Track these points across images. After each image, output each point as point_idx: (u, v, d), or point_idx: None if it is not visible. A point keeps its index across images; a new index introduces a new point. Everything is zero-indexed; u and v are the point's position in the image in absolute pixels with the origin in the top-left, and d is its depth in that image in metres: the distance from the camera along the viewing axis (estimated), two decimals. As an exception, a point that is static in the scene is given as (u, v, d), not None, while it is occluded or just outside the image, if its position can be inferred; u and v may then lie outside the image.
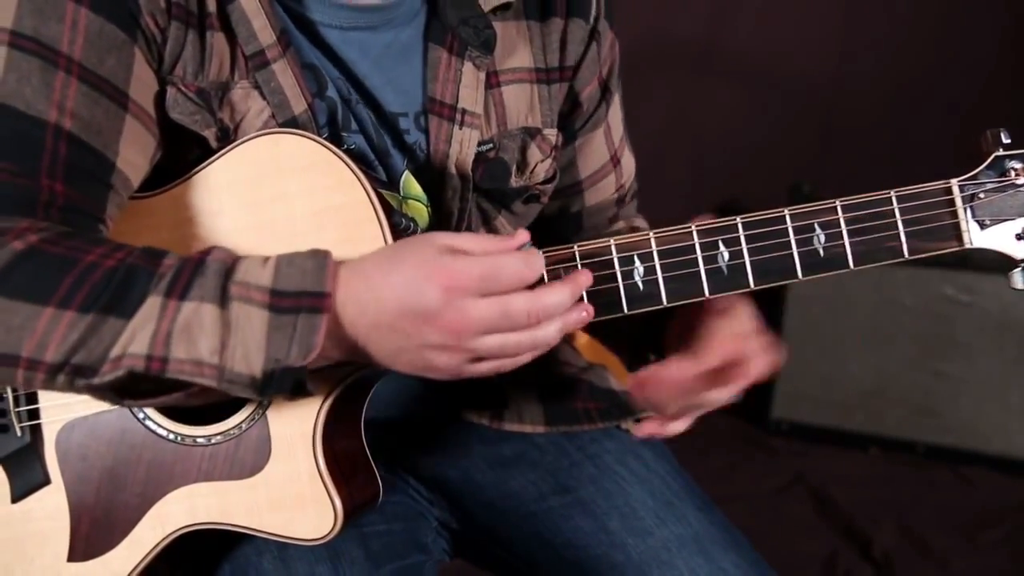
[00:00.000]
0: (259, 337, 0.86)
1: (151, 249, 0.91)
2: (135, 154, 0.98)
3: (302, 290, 0.86)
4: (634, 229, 1.30)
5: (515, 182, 1.17)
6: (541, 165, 1.19)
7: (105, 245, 0.89)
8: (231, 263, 0.88)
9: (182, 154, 1.03)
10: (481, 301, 0.86)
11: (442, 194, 1.12)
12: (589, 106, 1.23)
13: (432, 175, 1.12)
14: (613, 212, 1.30)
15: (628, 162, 1.32)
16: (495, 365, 0.91)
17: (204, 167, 1.01)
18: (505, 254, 0.89)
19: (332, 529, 0.98)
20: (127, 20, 0.96)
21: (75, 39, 0.93)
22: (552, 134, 1.20)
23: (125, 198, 0.98)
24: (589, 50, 1.19)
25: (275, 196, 0.99)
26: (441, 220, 1.13)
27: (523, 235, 0.93)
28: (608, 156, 1.28)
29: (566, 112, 1.22)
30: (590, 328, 1.03)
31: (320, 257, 0.88)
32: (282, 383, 0.87)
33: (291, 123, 1.04)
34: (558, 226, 1.30)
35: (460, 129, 1.12)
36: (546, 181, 1.21)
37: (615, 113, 1.29)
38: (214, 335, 0.85)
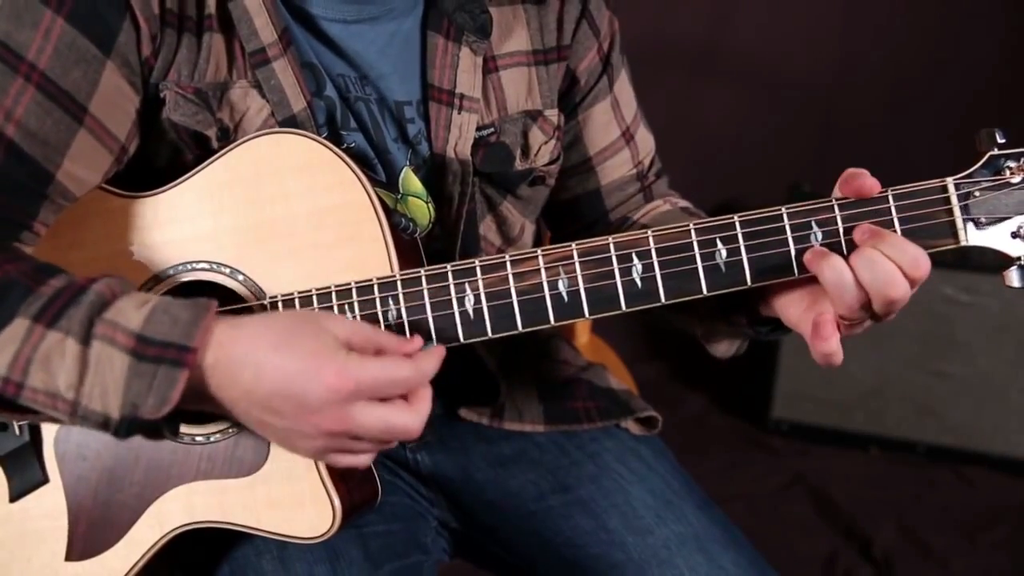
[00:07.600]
0: (119, 380, 0.84)
1: (44, 266, 0.90)
2: (82, 168, 0.97)
3: (168, 341, 0.85)
4: (684, 210, 1.29)
5: (519, 165, 1.17)
6: (545, 147, 1.19)
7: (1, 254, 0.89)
8: (109, 297, 0.87)
9: (182, 154, 1.04)
10: (366, 408, 0.86)
11: (443, 181, 1.13)
12: (588, 80, 1.24)
13: (433, 163, 1.12)
14: (635, 188, 1.29)
15: (645, 139, 1.31)
16: (354, 460, 0.92)
17: (205, 166, 1.01)
18: (401, 364, 0.88)
19: (330, 528, 0.98)
20: (103, 36, 0.96)
21: (44, 48, 0.94)
22: (553, 114, 1.20)
23: (64, 205, 0.98)
24: (580, 25, 1.21)
25: (275, 195, 0.99)
26: (442, 208, 1.13)
27: (418, 341, 0.94)
28: (619, 132, 1.28)
29: (565, 90, 1.22)
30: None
31: (199, 309, 0.86)
32: (138, 428, 0.86)
33: (290, 121, 1.04)
34: (583, 209, 1.29)
35: (459, 114, 1.12)
36: (551, 163, 1.21)
37: (623, 89, 1.29)
38: (73, 371, 0.85)
